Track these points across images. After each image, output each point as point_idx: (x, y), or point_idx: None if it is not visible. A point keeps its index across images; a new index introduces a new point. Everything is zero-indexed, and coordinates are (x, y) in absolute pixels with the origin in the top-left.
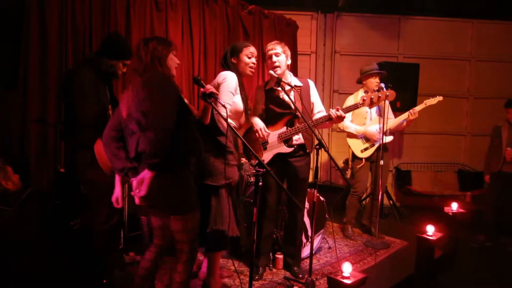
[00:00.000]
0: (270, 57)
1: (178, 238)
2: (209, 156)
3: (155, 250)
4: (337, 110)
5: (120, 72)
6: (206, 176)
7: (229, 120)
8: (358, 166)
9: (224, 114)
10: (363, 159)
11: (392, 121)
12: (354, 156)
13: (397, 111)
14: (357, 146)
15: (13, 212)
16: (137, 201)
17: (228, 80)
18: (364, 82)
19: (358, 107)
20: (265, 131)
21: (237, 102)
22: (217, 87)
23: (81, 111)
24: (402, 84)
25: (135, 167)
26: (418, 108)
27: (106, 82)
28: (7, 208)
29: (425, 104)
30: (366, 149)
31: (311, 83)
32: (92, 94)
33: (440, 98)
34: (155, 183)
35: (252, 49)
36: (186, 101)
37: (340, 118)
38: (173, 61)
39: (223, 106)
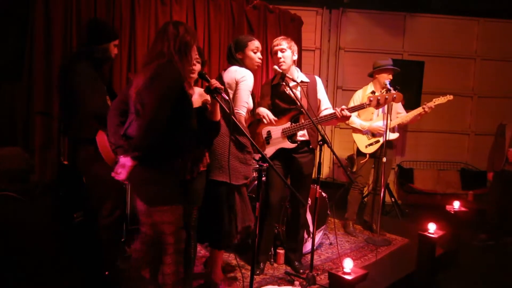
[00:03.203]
0: (276, 52)
1: (161, 230)
2: (231, 156)
3: (141, 238)
4: (342, 110)
5: (113, 54)
6: (226, 175)
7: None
8: (361, 162)
9: (230, 110)
10: (367, 155)
11: (404, 115)
12: (358, 151)
13: None
14: (362, 142)
15: (27, 203)
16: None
17: (249, 79)
18: (376, 76)
19: (364, 107)
20: (272, 117)
21: (249, 102)
22: (234, 83)
23: (86, 104)
24: (407, 82)
25: (124, 146)
26: (431, 103)
27: (100, 71)
28: (23, 198)
29: (434, 102)
30: (370, 144)
31: (318, 80)
32: (93, 86)
33: (450, 97)
34: (135, 172)
35: (256, 43)
36: (208, 101)
37: (345, 118)
38: (194, 52)
39: (228, 101)
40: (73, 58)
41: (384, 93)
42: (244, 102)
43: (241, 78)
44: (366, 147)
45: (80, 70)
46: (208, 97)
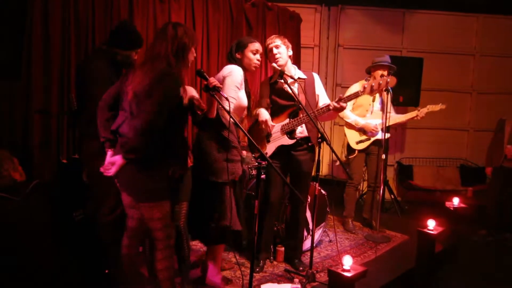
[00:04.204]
0: (271, 50)
1: (150, 226)
2: (213, 152)
3: (128, 234)
4: (337, 102)
5: (133, 62)
6: (209, 173)
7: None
8: (350, 157)
9: (227, 108)
10: (356, 151)
11: (397, 117)
12: (348, 147)
13: (399, 106)
14: (353, 137)
15: (20, 202)
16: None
17: (234, 74)
18: (372, 73)
19: (359, 95)
20: (270, 123)
21: (241, 97)
22: (222, 80)
23: (95, 103)
24: (406, 79)
25: (113, 140)
26: (425, 110)
27: (118, 72)
28: (14, 198)
29: (428, 109)
30: (361, 141)
31: (316, 76)
32: (105, 86)
33: (443, 106)
34: (125, 170)
35: (257, 46)
36: (194, 97)
37: (340, 109)
38: (192, 54)
39: (226, 99)
40: (92, 55)
41: (378, 79)
42: (227, 96)
43: (227, 74)
44: (356, 143)
45: (95, 68)
46: (194, 94)
